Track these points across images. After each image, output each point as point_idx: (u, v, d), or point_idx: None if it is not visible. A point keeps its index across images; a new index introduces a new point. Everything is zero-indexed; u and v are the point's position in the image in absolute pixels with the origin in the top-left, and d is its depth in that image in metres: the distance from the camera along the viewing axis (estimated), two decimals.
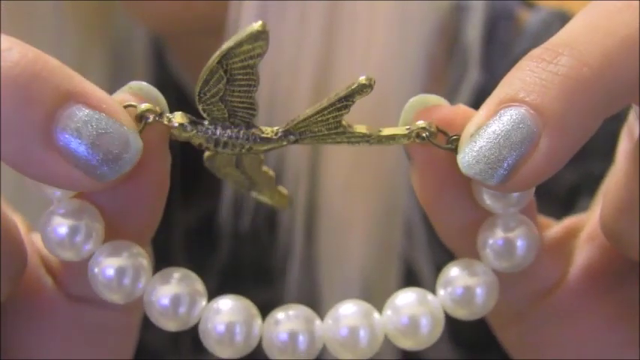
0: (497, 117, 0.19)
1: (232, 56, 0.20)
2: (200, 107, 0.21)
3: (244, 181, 0.25)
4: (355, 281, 0.40)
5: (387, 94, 0.39)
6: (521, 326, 0.24)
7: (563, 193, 0.43)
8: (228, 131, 0.21)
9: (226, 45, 0.20)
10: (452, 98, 0.45)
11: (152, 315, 0.21)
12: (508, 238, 0.21)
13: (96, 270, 0.21)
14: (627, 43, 0.19)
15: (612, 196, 0.22)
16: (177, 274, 0.21)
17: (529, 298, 0.24)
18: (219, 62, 0.20)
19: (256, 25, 0.20)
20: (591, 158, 0.39)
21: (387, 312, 0.21)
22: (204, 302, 0.21)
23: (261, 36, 0.20)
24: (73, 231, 0.20)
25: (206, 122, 0.21)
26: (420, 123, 0.21)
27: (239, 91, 0.21)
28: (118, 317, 0.24)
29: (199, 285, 0.21)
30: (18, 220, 0.22)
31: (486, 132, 0.19)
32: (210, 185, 0.41)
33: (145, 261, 0.21)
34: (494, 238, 0.21)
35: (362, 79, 0.21)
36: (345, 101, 0.21)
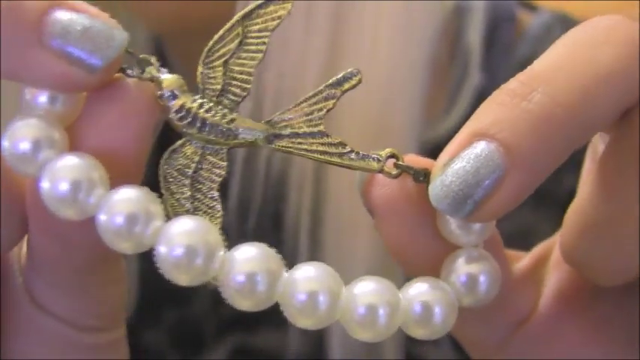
0: (467, 151, 0.19)
1: (255, 17, 0.21)
2: (200, 69, 0.22)
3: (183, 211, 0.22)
4: None
5: (392, 95, 0.39)
6: (501, 356, 0.24)
7: (563, 198, 0.43)
8: (211, 107, 0.21)
9: (252, 5, 0.21)
10: (453, 100, 0.45)
11: (106, 236, 0.20)
12: (471, 274, 0.21)
13: (46, 182, 0.20)
14: (606, 78, 0.19)
15: (571, 220, 0.22)
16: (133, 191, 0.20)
17: (506, 329, 0.24)
18: (241, 19, 0.21)
19: None
20: None
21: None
22: (158, 223, 0.20)
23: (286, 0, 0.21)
24: (36, 145, 0.20)
25: (197, 96, 0.21)
26: (388, 150, 0.21)
27: (244, 58, 0.22)
28: (87, 337, 0.23)
29: (155, 205, 0.20)
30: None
31: (456, 167, 0.19)
32: None
33: (99, 173, 0.20)
34: (457, 273, 0.21)
35: (350, 69, 0.21)
36: (333, 88, 0.22)
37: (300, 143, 0.22)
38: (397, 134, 0.39)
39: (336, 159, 0.22)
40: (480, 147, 0.19)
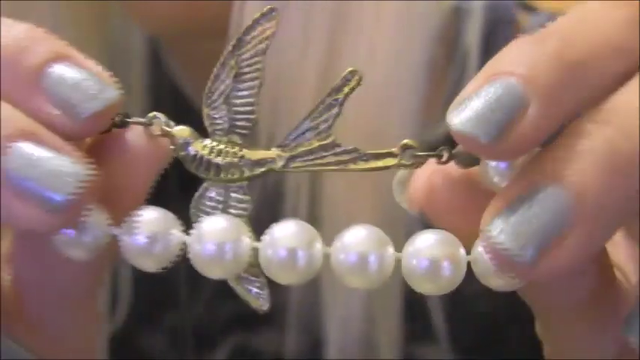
0: (484, 88, 0.20)
1: (244, 44, 0.22)
2: (205, 112, 0.22)
3: None
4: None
5: (389, 96, 0.39)
6: None
7: None
8: (221, 150, 0.22)
9: (238, 33, 0.22)
10: (451, 102, 0.45)
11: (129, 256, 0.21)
12: None
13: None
14: (608, 40, 0.20)
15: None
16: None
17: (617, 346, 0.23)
18: (231, 51, 0.22)
19: (266, 7, 0.22)
20: None
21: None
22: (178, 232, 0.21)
23: (271, 15, 0.21)
24: None
25: (207, 140, 0.22)
26: (402, 142, 0.22)
27: (243, 89, 0.22)
28: None
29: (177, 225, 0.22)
30: None
31: (475, 101, 0.20)
32: None
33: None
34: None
35: (348, 70, 0.22)
36: (335, 94, 0.22)
37: (314, 160, 0.22)
38: (394, 135, 0.39)
39: (352, 166, 0.22)
40: (498, 82, 0.20)
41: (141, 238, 0.21)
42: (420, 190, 0.22)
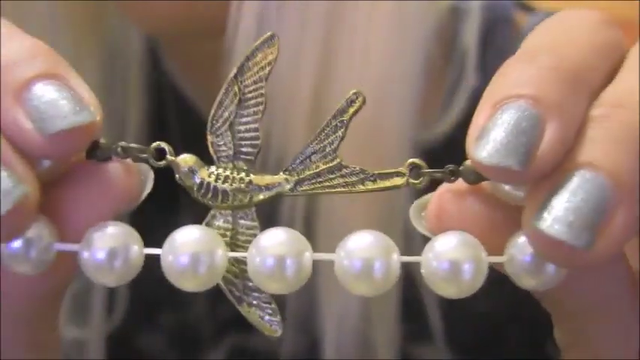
0: (498, 116, 0.20)
1: (246, 70, 0.22)
2: (209, 139, 0.22)
3: (236, 281, 0.23)
4: None
5: (386, 98, 0.39)
6: None
7: None
8: (227, 176, 0.22)
9: (240, 60, 0.22)
10: (449, 101, 0.45)
11: (88, 271, 0.21)
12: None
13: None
14: (593, 48, 0.21)
15: None
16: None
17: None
18: (234, 77, 0.22)
19: (267, 34, 0.22)
20: None
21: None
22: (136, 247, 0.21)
23: (272, 41, 0.22)
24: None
25: (213, 167, 0.22)
26: (408, 162, 0.22)
27: (247, 115, 0.22)
28: None
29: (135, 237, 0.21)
30: None
31: (494, 133, 0.20)
32: None
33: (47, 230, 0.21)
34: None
35: (351, 92, 0.22)
36: (340, 116, 0.22)
37: (321, 182, 0.22)
38: (390, 135, 0.39)
39: (359, 187, 0.22)
40: (510, 107, 0.20)
41: (100, 254, 0.21)
42: (432, 212, 0.22)
